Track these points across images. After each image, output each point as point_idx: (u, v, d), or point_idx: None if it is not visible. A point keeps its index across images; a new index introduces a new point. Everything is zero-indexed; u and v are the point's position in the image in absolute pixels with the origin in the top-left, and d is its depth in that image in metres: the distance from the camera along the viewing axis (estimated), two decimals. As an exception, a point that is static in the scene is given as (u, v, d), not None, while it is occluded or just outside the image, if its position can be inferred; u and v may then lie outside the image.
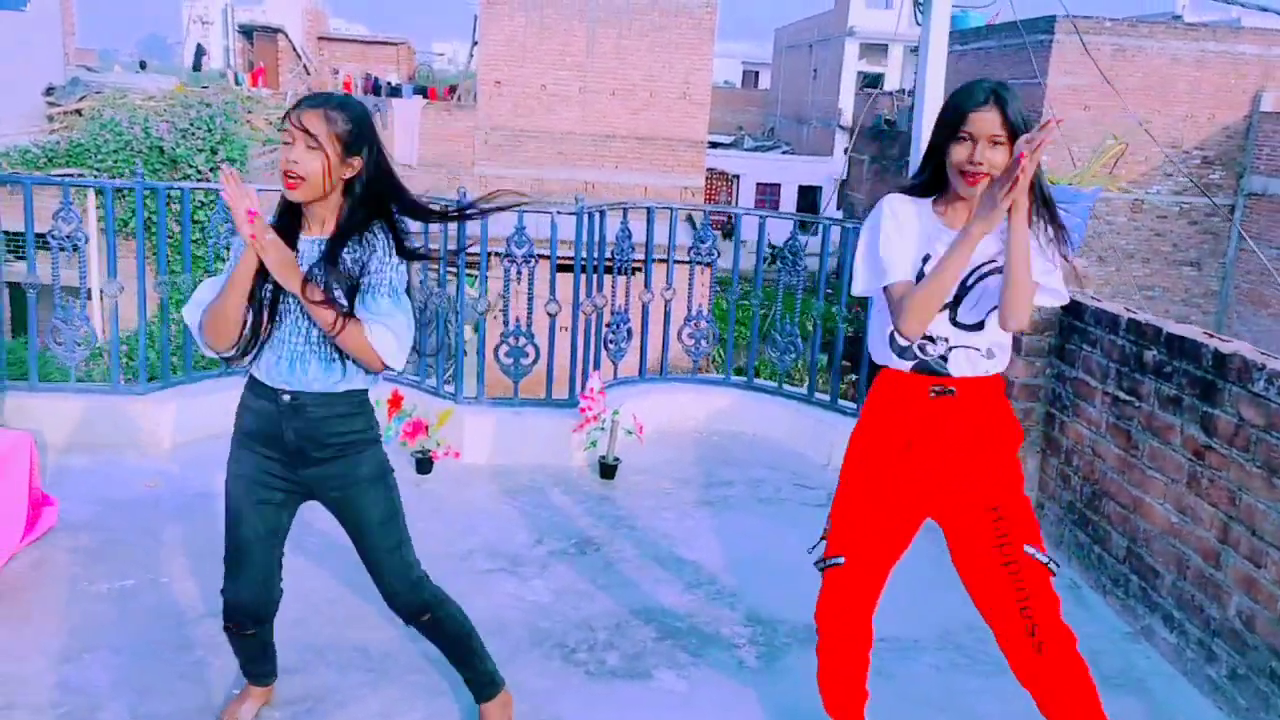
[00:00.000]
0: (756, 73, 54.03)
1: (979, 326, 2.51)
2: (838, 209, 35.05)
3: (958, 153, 2.40)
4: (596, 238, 5.09)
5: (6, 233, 4.68)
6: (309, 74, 28.21)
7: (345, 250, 2.41)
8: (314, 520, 4.08)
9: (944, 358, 2.52)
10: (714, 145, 33.88)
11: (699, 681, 3.21)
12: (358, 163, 2.42)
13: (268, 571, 2.66)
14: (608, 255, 5.24)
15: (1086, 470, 4.07)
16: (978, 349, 2.52)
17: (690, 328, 5.49)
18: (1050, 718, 2.54)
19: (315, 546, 3.91)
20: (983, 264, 2.47)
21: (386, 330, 2.40)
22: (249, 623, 2.69)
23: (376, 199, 2.47)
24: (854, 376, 5.87)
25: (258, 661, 2.84)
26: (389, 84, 26.78)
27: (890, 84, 38.55)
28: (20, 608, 3.40)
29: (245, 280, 2.39)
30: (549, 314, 4.99)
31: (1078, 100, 20.95)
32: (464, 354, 5.34)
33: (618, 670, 3.26)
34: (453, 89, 25.23)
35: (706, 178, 29.81)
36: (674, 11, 20.04)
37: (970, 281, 2.48)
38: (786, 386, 5.54)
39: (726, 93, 47.16)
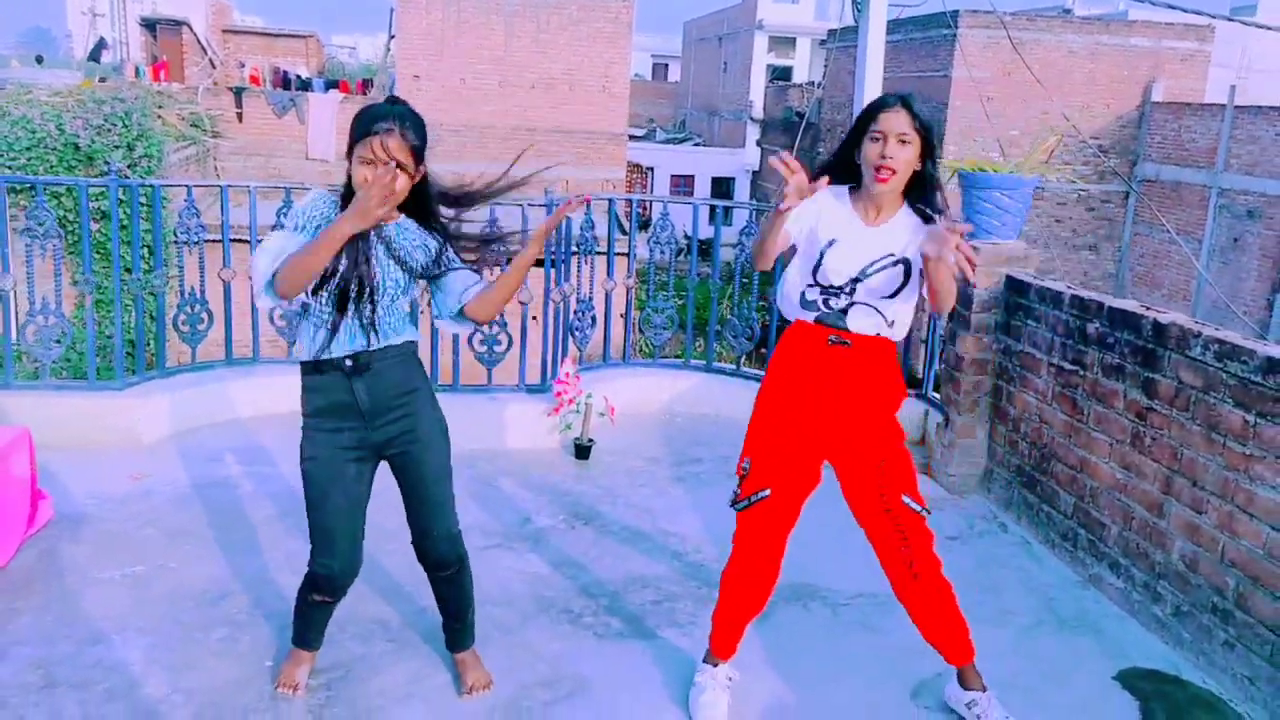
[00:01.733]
0: (666, 65, 54.43)
1: (885, 300, 2.87)
2: (751, 199, 35.62)
3: (872, 150, 2.78)
4: (562, 229, 5.29)
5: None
6: (215, 67, 27.64)
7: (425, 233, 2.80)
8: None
9: (844, 311, 2.87)
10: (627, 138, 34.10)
11: (701, 639, 3.43)
12: (423, 169, 2.74)
13: (356, 546, 2.87)
14: (574, 246, 5.44)
15: (1034, 436, 4.42)
16: (881, 314, 2.86)
17: (653, 315, 5.71)
18: (921, 624, 3.04)
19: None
20: (881, 258, 2.83)
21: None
22: (338, 592, 2.89)
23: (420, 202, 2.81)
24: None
25: (319, 629, 3.03)
26: (298, 77, 26.37)
27: (799, 77, 39.27)
28: (37, 596, 3.47)
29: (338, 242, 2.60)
30: (521, 303, 5.17)
31: (980, 92, 21.67)
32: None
33: (624, 631, 3.48)
34: (367, 83, 24.99)
35: (622, 170, 30.08)
36: (590, 5, 20.21)
37: (875, 264, 2.83)
38: (745, 368, 5.82)
39: (637, 85, 47.29)
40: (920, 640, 3.50)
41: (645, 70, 53.93)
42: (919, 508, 2.95)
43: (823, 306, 2.89)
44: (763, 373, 5.70)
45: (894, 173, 2.76)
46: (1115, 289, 23.72)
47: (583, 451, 5.00)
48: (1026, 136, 21.86)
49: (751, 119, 37.83)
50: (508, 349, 5.22)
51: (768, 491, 2.90)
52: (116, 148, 14.62)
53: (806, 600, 3.75)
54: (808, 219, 2.86)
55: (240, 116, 20.45)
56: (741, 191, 36.48)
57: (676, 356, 6.07)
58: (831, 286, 2.87)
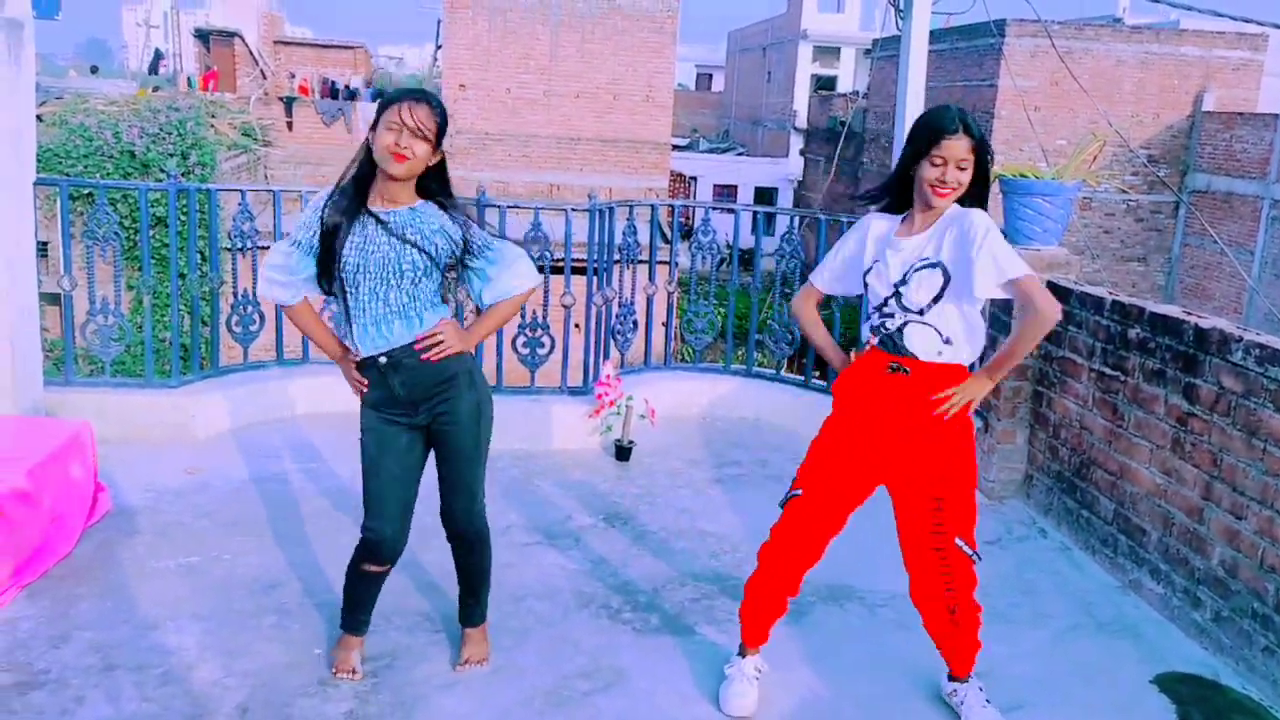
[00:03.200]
0: (710, 75, 54.51)
1: (929, 308, 2.85)
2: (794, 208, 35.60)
3: (931, 173, 2.80)
4: (606, 234, 5.37)
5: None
6: (266, 78, 28.14)
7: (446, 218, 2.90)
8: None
9: (900, 331, 2.88)
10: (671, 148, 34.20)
11: (738, 636, 3.49)
12: (440, 154, 2.86)
13: (404, 515, 3.00)
14: (615, 252, 5.51)
15: (1074, 442, 4.42)
16: (936, 329, 2.85)
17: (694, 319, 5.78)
18: (940, 645, 3.11)
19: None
20: (922, 259, 2.85)
21: (523, 264, 3.00)
22: (386, 560, 3.00)
23: (443, 182, 2.94)
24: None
25: (367, 609, 3.13)
26: (346, 87, 26.80)
27: (844, 86, 39.18)
28: (97, 584, 3.60)
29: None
30: (564, 306, 5.26)
31: (1027, 102, 21.53)
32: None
33: (662, 627, 3.54)
34: (414, 92, 25.27)
35: (666, 179, 30.18)
36: (635, 15, 20.35)
37: (907, 275, 2.86)
38: (784, 374, 5.86)
39: (681, 95, 47.47)
40: (956, 641, 3.55)
41: (689, 80, 54.05)
42: (970, 552, 2.94)
43: (883, 327, 2.91)
44: (801, 378, 5.80)
45: (954, 191, 2.82)
46: (1164, 301, 23.42)
47: (623, 453, 5.07)
48: (1074, 146, 21.56)
49: (795, 129, 37.80)
50: (550, 352, 5.31)
51: (799, 492, 2.97)
52: (171, 155, 14.96)
53: (843, 600, 3.79)
54: (846, 262, 3.04)
55: (290, 125, 20.85)
56: (784, 201, 36.44)
57: (716, 362, 6.13)
58: (882, 303, 2.90)
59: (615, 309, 5.55)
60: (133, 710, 2.90)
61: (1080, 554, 4.31)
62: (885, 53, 26.22)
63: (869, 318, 2.99)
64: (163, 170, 14.72)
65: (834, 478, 2.96)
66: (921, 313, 2.85)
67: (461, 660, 3.19)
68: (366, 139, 2.83)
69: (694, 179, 36.37)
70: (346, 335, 2.94)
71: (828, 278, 3.13)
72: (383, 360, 2.88)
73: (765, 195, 36.99)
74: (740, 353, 6.06)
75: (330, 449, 4.91)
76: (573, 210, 5.25)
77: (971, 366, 2.96)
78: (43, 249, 4.90)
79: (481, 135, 20.28)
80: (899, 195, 2.96)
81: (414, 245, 2.84)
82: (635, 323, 5.68)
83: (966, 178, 2.81)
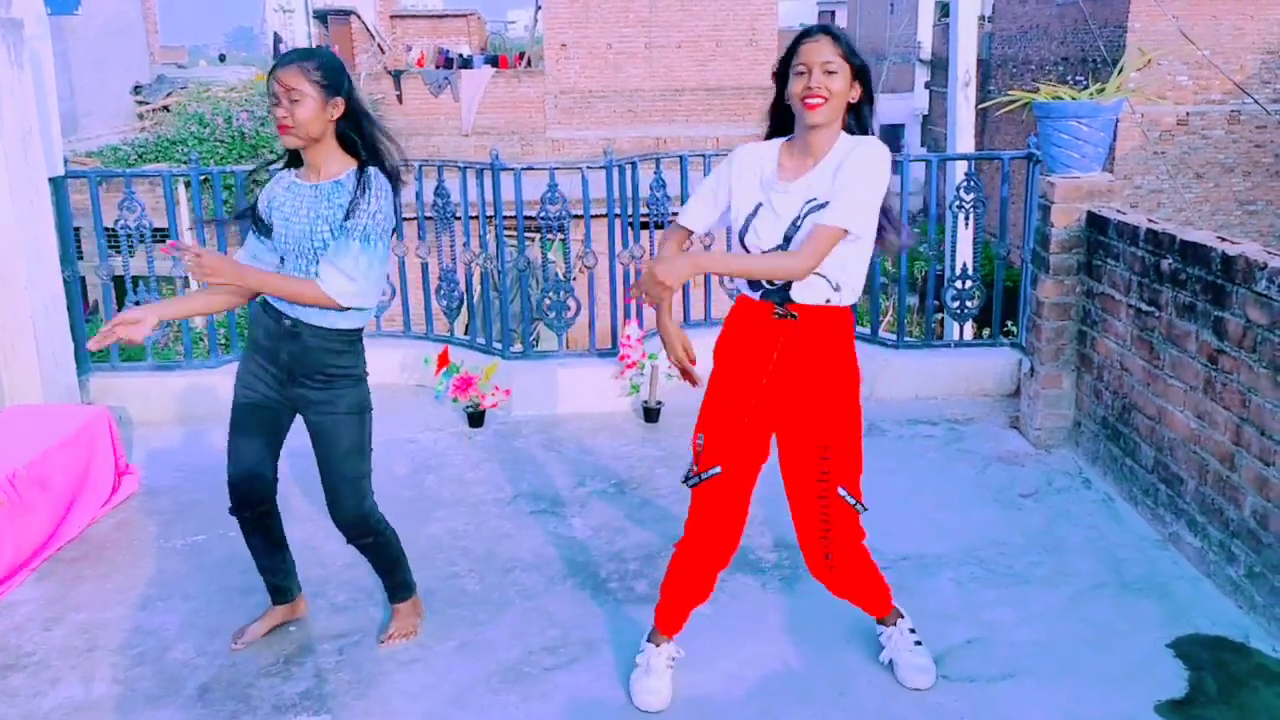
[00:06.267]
0: (832, 11, 52.90)
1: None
2: (922, 145, 34.38)
3: (796, 85, 2.55)
4: (629, 191, 5.22)
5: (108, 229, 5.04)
6: (383, 52, 28.68)
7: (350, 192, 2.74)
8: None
9: (786, 287, 2.63)
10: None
11: (723, 604, 3.35)
12: (341, 103, 2.71)
13: (258, 457, 2.98)
14: (643, 208, 5.35)
15: (1116, 385, 4.09)
16: (825, 278, 2.61)
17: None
18: (836, 593, 2.97)
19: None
20: (809, 201, 2.58)
21: (336, 272, 2.70)
22: (243, 502, 3.00)
23: (360, 134, 2.78)
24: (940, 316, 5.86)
25: (268, 569, 3.16)
26: (460, 56, 27.08)
27: (969, 12, 37.42)
28: (103, 564, 3.73)
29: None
30: (587, 267, 5.15)
31: (1164, 10, 20.07)
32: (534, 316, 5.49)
33: (646, 596, 3.43)
34: (522, 55, 25.41)
35: (784, 124, 29.32)
36: (735, -42, 19.82)
37: (799, 218, 2.59)
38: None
39: (802, 35, 46.30)
40: (957, 609, 3.34)
41: (811, 18, 52.65)
42: (854, 502, 2.76)
43: (767, 284, 2.67)
44: (868, 330, 5.53)
45: (824, 100, 2.51)
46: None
47: (651, 414, 4.95)
48: (1219, 57, 20.19)
49: (920, 61, 36.38)
50: (576, 314, 5.22)
51: (719, 469, 2.75)
52: (278, 137, 15.40)
53: (844, 563, 3.60)
54: (718, 202, 2.73)
55: (400, 98, 21.20)
56: (911, 137, 35.22)
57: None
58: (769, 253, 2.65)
59: (644, 267, 5.40)
60: (101, 692, 2.98)
61: (1124, 505, 3.99)
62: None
63: None
64: (270, 150, 15.18)
65: (740, 441, 2.75)
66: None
67: (385, 636, 3.18)
68: None
69: (816, 121, 35.41)
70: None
71: (693, 218, 2.78)
72: (287, 322, 2.82)
73: (892, 132, 35.81)
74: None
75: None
76: (588, 168, 5.12)
77: (853, 307, 2.74)
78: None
79: (585, 94, 20.19)
80: (780, 129, 2.70)
81: (326, 223, 2.74)
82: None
83: (837, 83, 2.52)
